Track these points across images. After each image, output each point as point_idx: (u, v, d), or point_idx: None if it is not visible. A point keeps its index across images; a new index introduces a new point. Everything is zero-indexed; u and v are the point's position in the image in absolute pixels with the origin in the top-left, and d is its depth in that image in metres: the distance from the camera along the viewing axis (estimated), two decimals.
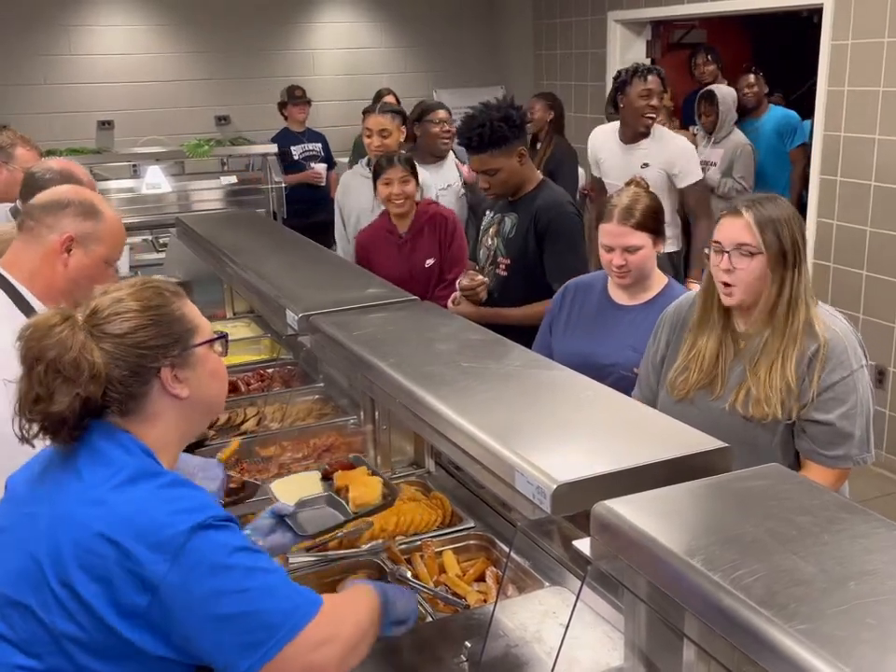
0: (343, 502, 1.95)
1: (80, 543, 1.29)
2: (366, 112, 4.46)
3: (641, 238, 2.51)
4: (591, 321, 2.67)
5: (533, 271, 3.14)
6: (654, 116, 4.37)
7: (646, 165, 4.42)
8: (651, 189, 2.65)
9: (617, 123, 4.60)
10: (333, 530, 1.95)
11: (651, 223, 2.52)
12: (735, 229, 2.06)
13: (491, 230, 3.29)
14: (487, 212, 3.40)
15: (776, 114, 5.83)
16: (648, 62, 6.66)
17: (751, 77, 5.83)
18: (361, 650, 1.47)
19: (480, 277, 3.19)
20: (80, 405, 1.35)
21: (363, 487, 1.97)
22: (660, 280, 2.62)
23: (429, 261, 3.71)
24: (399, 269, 3.70)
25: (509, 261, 3.20)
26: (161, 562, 1.27)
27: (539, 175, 3.30)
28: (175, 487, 1.37)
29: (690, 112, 6.36)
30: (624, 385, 2.34)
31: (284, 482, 2.25)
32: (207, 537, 1.31)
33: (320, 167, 6.61)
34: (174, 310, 1.45)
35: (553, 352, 2.68)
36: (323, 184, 6.61)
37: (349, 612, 1.49)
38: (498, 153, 3.08)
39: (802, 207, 5.17)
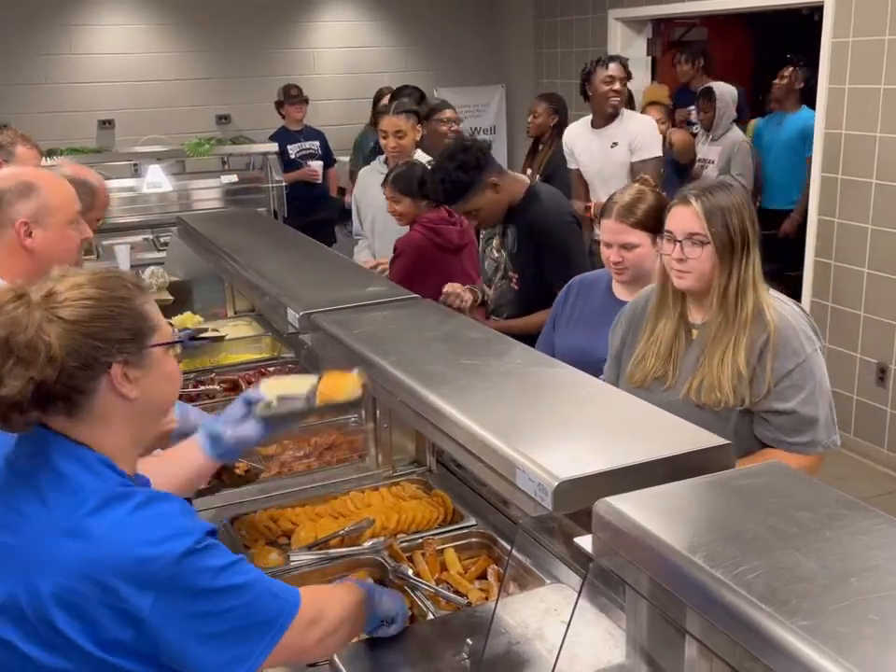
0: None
1: (58, 582, 1.24)
2: (381, 114, 4.45)
3: (639, 237, 2.51)
4: (593, 317, 2.67)
5: (541, 283, 3.13)
6: (619, 98, 4.68)
7: (615, 144, 4.66)
8: (647, 182, 2.65)
9: (589, 117, 4.88)
10: (291, 418, 1.88)
11: (652, 222, 2.52)
12: (684, 218, 2.08)
13: (494, 241, 3.28)
14: None
15: (804, 115, 5.73)
16: (648, 60, 6.67)
17: (787, 69, 5.80)
18: (340, 635, 1.53)
19: (458, 285, 3.19)
20: (34, 390, 1.26)
21: (334, 384, 1.92)
22: None
23: None
24: None
25: (517, 275, 3.20)
26: (146, 596, 1.24)
27: (525, 183, 3.28)
28: (150, 506, 1.31)
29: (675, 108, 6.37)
30: None
31: (276, 380, 2.05)
32: (190, 565, 1.27)
33: (316, 164, 6.61)
34: (136, 305, 1.36)
35: (555, 347, 2.69)
36: (319, 181, 6.61)
37: (328, 598, 1.55)
38: (470, 196, 3.11)
39: None
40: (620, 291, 2.65)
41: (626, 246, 2.52)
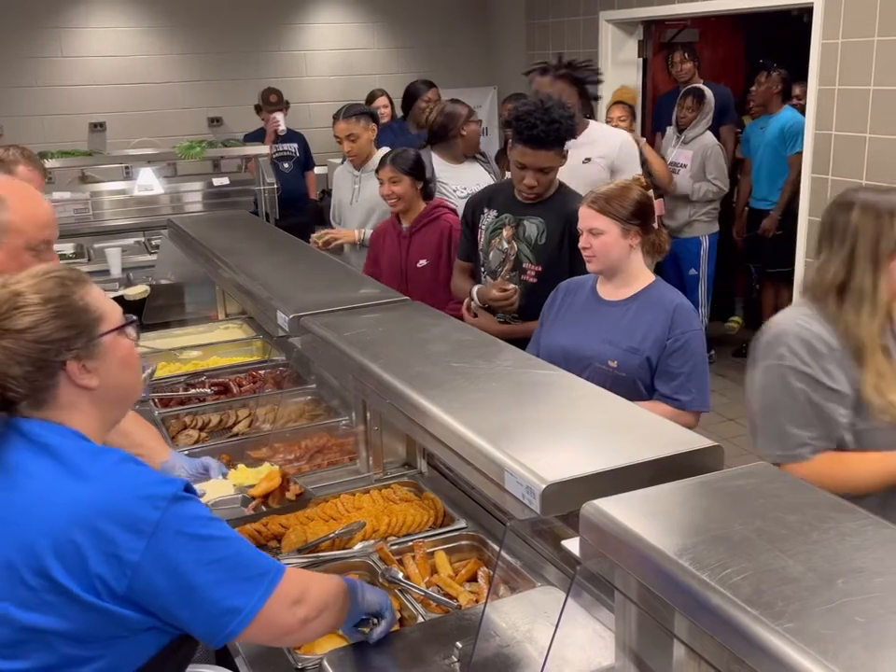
0: None
1: (53, 534, 1.29)
2: (334, 119, 4.46)
3: (604, 223, 2.51)
4: (576, 316, 2.68)
5: (565, 277, 3.08)
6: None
7: (587, 160, 4.36)
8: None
9: None
10: None
11: (625, 213, 2.51)
12: None
13: (505, 232, 3.18)
14: (486, 210, 3.27)
15: (784, 116, 5.79)
16: (640, 62, 6.68)
17: (762, 76, 5.85)
18: (324, 618, 1.55)
19: (511, 286, 3.10)
20: None
21: None
22: (646, 277, 2.61)
23: (422, 262, 3.71)
24: (398, 263, 3.78)
25: (540, 269, 3.11)
26: (138, 541, 1.29)
27: (558, 179, 3.24)
28: (132, 461, 1.39)
29: (662, 112, 6.33)
30: (599, 377, 2.41)
31: None
32: (180, 510, 1.33)
33: (278, 115, 6.47)
34: (76, 300, 1.41)
35: (540, 346, 2.69)
36: (282, 131, 6.50)
37: (313, 580, 1.58)
38: (559, 152, 3.06)
39: (793, 214, 5.16)
40: (603, 290, 2.65)
41: (592, 232, 2.54)
